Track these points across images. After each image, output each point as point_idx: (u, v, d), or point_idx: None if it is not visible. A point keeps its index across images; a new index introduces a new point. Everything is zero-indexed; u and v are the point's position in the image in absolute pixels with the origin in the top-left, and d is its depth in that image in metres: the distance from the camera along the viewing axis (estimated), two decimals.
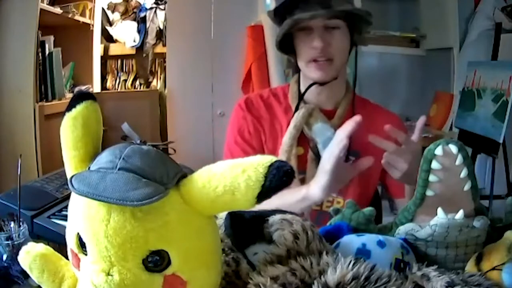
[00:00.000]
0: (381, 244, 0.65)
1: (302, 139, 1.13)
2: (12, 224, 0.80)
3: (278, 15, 1.10)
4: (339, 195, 1.14)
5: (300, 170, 1.12)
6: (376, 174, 1.17)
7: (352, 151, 1.13)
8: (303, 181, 1.12)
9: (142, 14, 3.49)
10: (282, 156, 1.10)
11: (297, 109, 1.14)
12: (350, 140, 1.11)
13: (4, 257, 0.77)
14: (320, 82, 1.10)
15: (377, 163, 1.16)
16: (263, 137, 1.18)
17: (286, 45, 1.12)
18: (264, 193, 0.45)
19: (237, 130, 1.19)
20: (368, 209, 0.77)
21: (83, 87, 2.91)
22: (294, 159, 1.11)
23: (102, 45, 3.35)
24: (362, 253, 0.63)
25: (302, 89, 1.16)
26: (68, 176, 0.52)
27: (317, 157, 1.11)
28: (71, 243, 0.50)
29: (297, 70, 1.18)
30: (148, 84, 3.62)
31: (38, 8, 2.13)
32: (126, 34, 3.47)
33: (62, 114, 0.53)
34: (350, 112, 1.15)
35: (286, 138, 1.11)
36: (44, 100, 2.31)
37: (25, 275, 0.70)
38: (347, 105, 1.16)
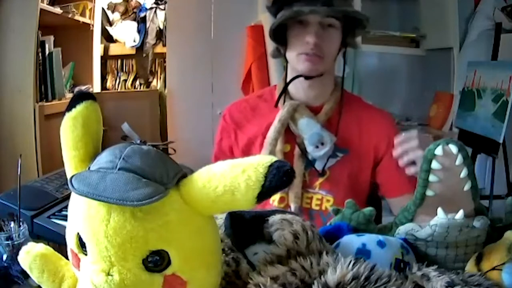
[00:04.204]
0: (381, 244, 0.65)
1: (289, 136, 1.14)
2: (12, 224, 0.80)
3: (276, 3, 1.10)
4: (329, 193, 1.13)
5: None
6: (366, 171, 1.17)
7: (341, 148, 1.13)
8: None
9: (142, 14, 3.49)
10: (265, 150, 1.11)
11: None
12: (338, 137, 1.12)
13: (4, 257, 0.77)
14: (306, 76, 1.11)
15: (367, 160, 1.17)
16: (244, 141, 1.19)
17: (278, 35, 1.12)
18: (264, 193, 0.45)
19: (217, 143, 1.24)
20: (368, 209, 0.77)
21: (83, 87, 2.91)
22: (281, 156, 1.12)
23: (102, 45, 3.35)
24: (362, 253, 0.63)
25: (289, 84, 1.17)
26: (68, 176, 0.52)
27: (303, 154, 1.12)
28: (71, 243, 0.50)
29: (286, 67, 1.19)
30: (148, 84, 3.62)
31: (38, 8, 2.13)
32: (126, 34, 3.47)
33: (62, 114, 0.53)
34: (337, 108, 1.16)
35: (271, 132, 1.12)
36: (44, 100, 2.30)
37: (25, 275, 0.70)
38: (335, 102, 1.16)
